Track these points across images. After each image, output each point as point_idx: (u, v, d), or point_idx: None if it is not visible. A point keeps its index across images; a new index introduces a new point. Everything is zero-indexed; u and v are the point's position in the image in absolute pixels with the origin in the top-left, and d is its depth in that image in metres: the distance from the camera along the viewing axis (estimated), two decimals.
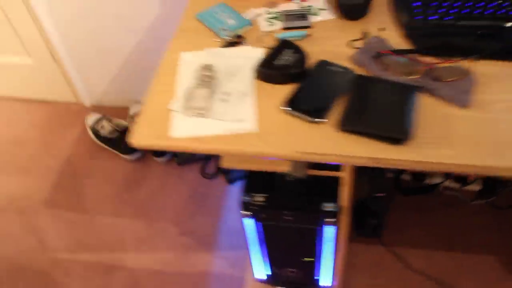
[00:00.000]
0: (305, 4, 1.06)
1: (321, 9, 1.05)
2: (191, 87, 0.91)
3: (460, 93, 0.85)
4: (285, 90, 0.91)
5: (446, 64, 0.89)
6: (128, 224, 1.78)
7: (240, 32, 1.02)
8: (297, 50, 0.92)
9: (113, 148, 1.93)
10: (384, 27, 1.00)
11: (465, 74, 0.88)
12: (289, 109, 0.86)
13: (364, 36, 0.97)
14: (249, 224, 1.26)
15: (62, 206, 1.83)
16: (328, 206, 1.18)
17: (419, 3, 1.00)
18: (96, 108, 2.13)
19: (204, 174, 1.91)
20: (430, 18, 0.96)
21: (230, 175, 1.87)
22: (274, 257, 1.40)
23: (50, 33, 1.85)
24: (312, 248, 1.33)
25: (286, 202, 1.20)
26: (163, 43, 1.83)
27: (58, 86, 2.08)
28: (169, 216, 1.79)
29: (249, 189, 1.21)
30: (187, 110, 0.88)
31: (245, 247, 1.67)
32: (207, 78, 0.91)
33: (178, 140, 0.86)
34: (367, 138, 0.82)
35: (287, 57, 0.91)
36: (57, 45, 1.89)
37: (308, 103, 0.86)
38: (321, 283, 1.47)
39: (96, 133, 1.96)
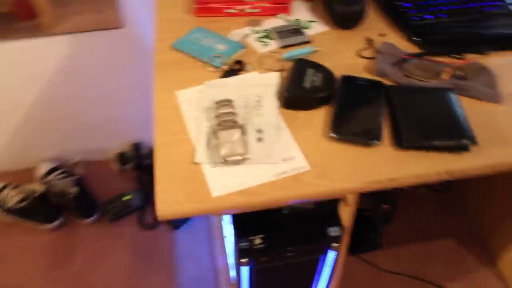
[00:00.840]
0: (292, 18, 0.96)
1: (310, 21, 0.96)
2: (212, 130, 0.74)
3: (489, 89, 0.83)
4: (318, 115, 0.79)
5: (466, 62, 0.86)
6: None
7: (235, 57, 0.87)
8: (319, 68, 0.82)
9: (28, 219, 1.61)
10: (385, 33, 0.94)
11: (485, 69, 0.86)
12: (340, 136, 0.75)
13: (370, 44, 0.90)
14: (245, 272, 1.11)
15: None
16: (333, 231, 1.09)
17: (410, 4, 0.96)
18: None
19: (144, 226, 1.68)
20: (426, 17, 0.93)
21: (174, 220, 1.67)
22: None
23: None
24: (310, 279, 1.22)
25: (287, 238, 1.08)
26: (70, 89, 1.58)
27: None
28: (118, 283, 1.54)
29: (242, 233, 1.06)
30: (220, 160, 0.71)
31: None
32: (229, 115, 0.75)
33: (222, 198, 0.69)
34: (429, 152, 0.75)
35: (312, 78, 0.80)
36: None
37: (356, 125, 0.76)
38: None
39: (0, 206, 1.61)
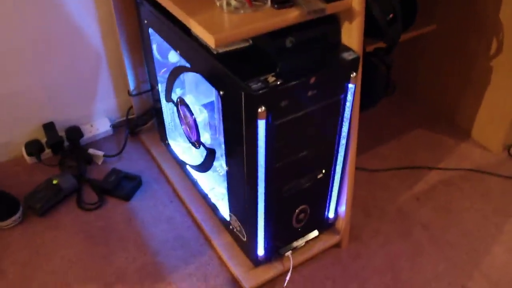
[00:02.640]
0: None
1: None
2: None
3: None
4: None
5: None
6: None
7: None
8: None
9: None
10: None
11: None
12: None
13: None
14: (261, 129, 0.87)
15: None
16: (348, 55, 0.93)
17: None
18: None
19: (88, 206, 1.34)
20: None
21: (123, 191, 1.35)
22: (282, 196, 1.02)
23: None
24: (330, 145, 1.02)
25: (301, 69, 0.88)
26: None
27: None
28: (75, 278, 1.17)
29: (247, 77, 0.85)
30: None
31: (200, 253, 1.20)
32: None
33: None
34: None
35: None
36: None
37: None
38: (330, 214, 1.16)
39: None
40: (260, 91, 0.83)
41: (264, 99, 0.84)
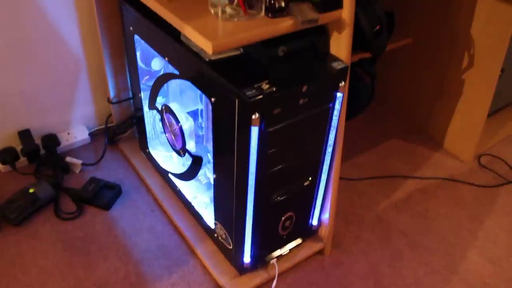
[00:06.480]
0: None
1: None
2: None
3: None
4: None
5: None
6: None
7: None
8: None
9: None
10: None
11: None
12: None
13: None
14: (254, 136, 0.88)
15: None
16: (338, 64, 0.95)
17: None
18: None
19: (65, 215, 1.31)
20: None
21: (103, 200, 1.33)
22: (270, 203, 1.03)
23: None
24: (318, 153, 1.04)
25: (293, 77, 0.91)
26: None
27: None
28: (56, 286, 1.14)
29: (241, 84, 0.86)
30: None
31: (183, 262, 1.20)
32: None
33: None
34: None
35: None
36: None
37: None
38: (314, 222, 1.18)
39: None
40: (255, 98, 0.84)
41: (258, 106, 0.85)
